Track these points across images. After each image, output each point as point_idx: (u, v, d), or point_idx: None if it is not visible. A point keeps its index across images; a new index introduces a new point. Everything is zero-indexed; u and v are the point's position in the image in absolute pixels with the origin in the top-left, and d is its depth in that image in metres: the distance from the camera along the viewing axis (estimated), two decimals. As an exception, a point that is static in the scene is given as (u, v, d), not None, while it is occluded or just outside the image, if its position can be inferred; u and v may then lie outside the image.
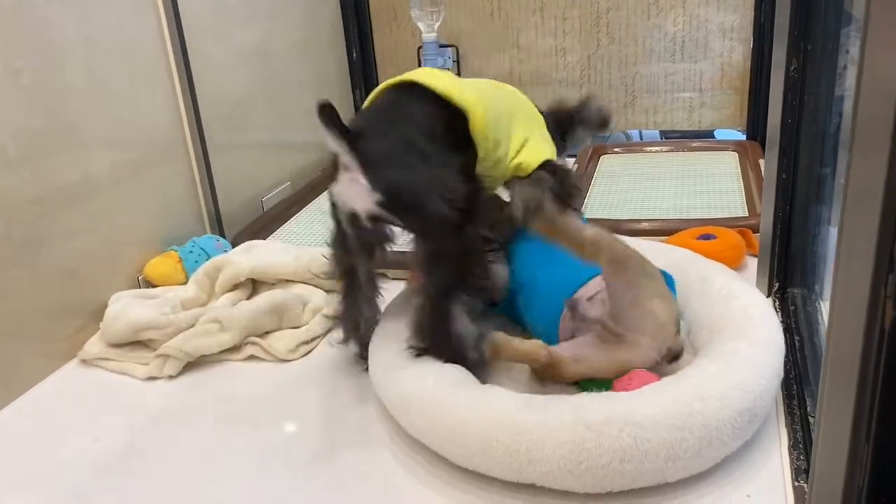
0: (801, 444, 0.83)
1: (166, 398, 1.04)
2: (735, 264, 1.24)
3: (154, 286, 1.29)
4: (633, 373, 0.88)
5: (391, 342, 0.94)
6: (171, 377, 1.07)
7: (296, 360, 1.10)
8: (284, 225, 1.55)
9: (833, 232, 1.09)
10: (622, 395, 0.80)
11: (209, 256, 1.32)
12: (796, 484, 0.77)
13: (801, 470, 0.79)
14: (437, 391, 0.83)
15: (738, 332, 0.89)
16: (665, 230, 1.34)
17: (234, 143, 1.56)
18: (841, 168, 1.02)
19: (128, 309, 1.13)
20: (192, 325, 1.12)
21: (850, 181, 0.42)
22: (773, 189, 1.09)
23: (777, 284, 1.15)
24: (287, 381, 1.05)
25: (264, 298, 1.15)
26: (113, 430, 0.97)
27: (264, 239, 1.47)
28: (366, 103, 0.97)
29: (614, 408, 0.77)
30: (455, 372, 0.86)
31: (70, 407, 1.04)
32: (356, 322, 1.02)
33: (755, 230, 1.32)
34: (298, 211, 1.62)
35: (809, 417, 0.85)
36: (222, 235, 1.46)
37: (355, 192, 0.85)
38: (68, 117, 1.15)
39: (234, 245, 1.40)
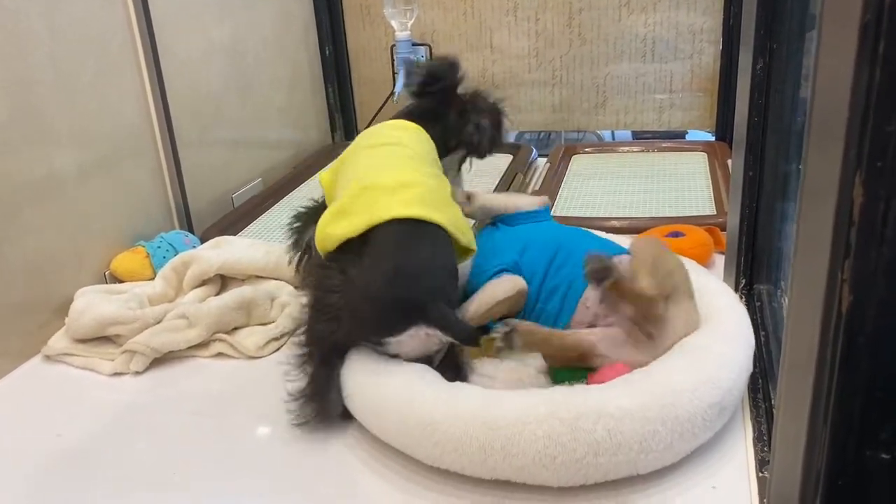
0: (766, 437, 0.84)
1: (132, 394, 1.02)
2: (703, 261, 1.26)
3: (121, 282, 1.27)
4: (607, 364, 0.89)
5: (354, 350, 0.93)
6: (137, 373, 1.06)
7: (264, 356, 1.09)
8: (255, 221, 1.54)
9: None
10: (595, 387, 0.81)
11: (177, 252, 1.30)
12: (760, 475, 0.78)
13: (765, 461, 0.80)
14: (407, 392, 0.82)
15: (709, 328, 0.90)
16: (635, 228, 1.36)
17: (204, 138, 1.55)
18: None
19: (94, 303, 1.11)
20: (160, 321, 1.11)
21: (806, 172, 0.43)
22: (740, 186, 1.11)
23: (744, 281, 1.16)
24: (255, 378, 1.04)
25: (232, 294, 1.14)
26: (77, 426, 0.95)
27: (234, 235, 1.46)
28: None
29: (588, 401, 0.77)
30: (424, 372, 0.85)
31: (33, 403, 1.02)
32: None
33: (723, 228, 1.34)
34: (269, 207, 1.61)
35: (774, 411, 0.86)
36: (191, 231, 1.45)
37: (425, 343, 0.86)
38: (33, 111, 1.13)
39: (203, 241, 1.39)
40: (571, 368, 0.92)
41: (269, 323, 1.15)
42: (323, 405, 0.87)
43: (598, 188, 1.59)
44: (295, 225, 1.09)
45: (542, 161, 1.83)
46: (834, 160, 0.41)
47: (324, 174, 1.04)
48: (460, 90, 1.07)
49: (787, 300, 0.45)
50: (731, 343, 0.87)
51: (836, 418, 0.43)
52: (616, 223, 1.38)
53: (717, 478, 0.79)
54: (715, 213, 1.40)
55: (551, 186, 1.60)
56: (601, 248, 0.97)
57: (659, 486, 0.78)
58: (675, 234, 1.28)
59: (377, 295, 0.82)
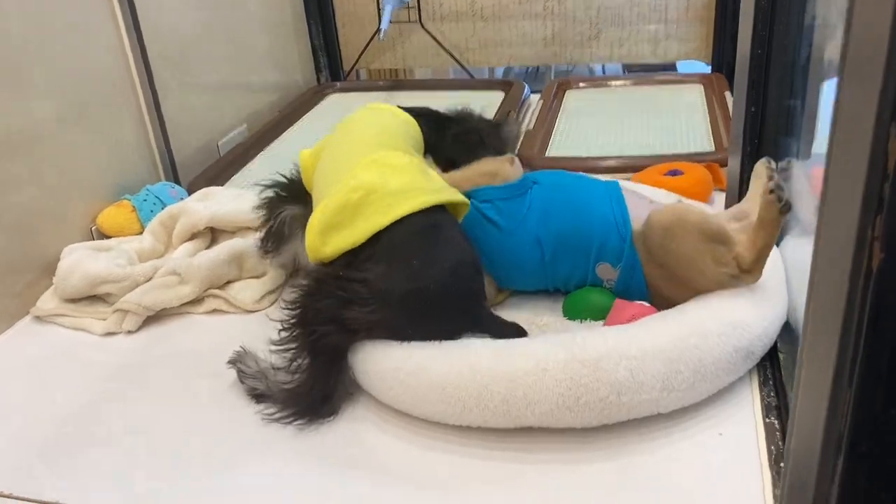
0: (771, 381, 0.83)
1: (126, 354, 1.00)
2: (703, 199, 1.23)
3: (108, 237, 1.24)
4: (627, 305, 0.87)
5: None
6: (130, 332, 1.04)
7: (262, 310, 1.07)
8: (242, 170, 1.49)
9: (803, 166, 1.08)
10: (613, 329, 0.80)
11: (164, 205, 1.27)
12: (767, 420, 0.78)
13: (772, 406, 0.79)
14: (417, 360, 0.80)
15: None
16: (632, 167, 1.33)
17: (185, 83, 1.49)
18: (811, 100, 1.01)
19: (82, 262, 1.08)
20: (151, 278, 1.08)
21: (838, 119, 0.40)
22: (741, 123, 1.08)
23: (745, 221, 1.14)
24: (253, 333, 1.01)
25: (223, 248, 1.11)
26: (72, 390, 0.94)
27: (221, 185, 1.42)
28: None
29: (608, 343, 0.77)
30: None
31: (25, 366, 1.00)
32: None
33: (722, 164, 1.31)
34: (256, 155, 1.56)
35: (779, 353, 0.85)
36: (177, 182, 1.41)
37: None
38: (5, 61, 1.08)
39: (190, 192, 1.35)
40: (589, 308, 0.92)
41: (263, 275, 1.12)
42: (325, 403, 0.83)
43: (593, 125, 1.55)
44: (265, 198, 1.04)
45: (535, 98, 1.78)
46: (869, 108, 0.38)
47: (304, 152, 1.00)
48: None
49: (811, 254, 0.42)
50: (767, 290, 0.85)
51: (862, 380, 0.42)
52: (613, 162, 1.35)
53: (724, 426, 0.79)
54: (713, 149, 1.37)
55: (545, 125, 1.55)
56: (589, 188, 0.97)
57: (660, 432, 0.78)
58: (674, 173, 1.26)
59: (441, 292, 0.80)
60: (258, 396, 0.86)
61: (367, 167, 0.86)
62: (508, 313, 0.96)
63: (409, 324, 0.81)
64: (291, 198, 0.99)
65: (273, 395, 0.85)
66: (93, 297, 1.09)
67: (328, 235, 0.83)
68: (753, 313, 0.82)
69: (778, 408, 0.79)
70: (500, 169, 0.97)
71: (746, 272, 0.83)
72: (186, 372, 0.96)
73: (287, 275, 1.10)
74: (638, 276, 0.90)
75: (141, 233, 1.24)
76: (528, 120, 1.61)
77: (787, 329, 0.87)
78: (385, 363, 0.81)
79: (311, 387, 0.82)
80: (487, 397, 0.76)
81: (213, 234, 1.23)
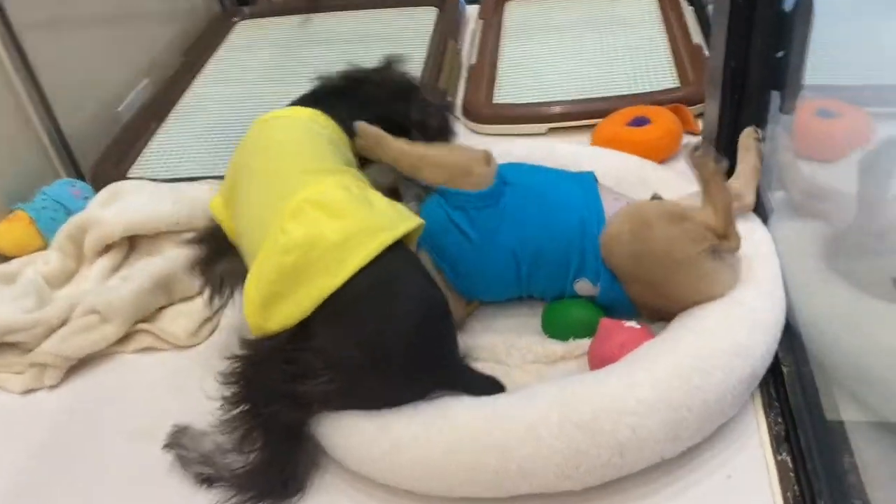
0: (777, 404, 0.77)
1: (52, 415, 0.88)
2: (673, 149, 1.13)
3: (7, 258, 1.07)
4: (620, 329, 0.79)
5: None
6: (52, 387, 0.91)
7: (199, 343, 0.94)
8: (151, 143, 1.30)
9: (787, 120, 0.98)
10: (608, 377, 0.71)
11: (68, 210, 1.10)
12: (778, 458, 0.72)
13: (781, 438, 0.74)
14: (394, 436, 0.71)
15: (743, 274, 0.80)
16: (588, 113, 1.20)
17: (62, 43, 1.26)
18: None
19: (-20, 309, 0.92)
20: (66, 320, 0.94)
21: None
22: (720, 79, 0.96)
23: (722, 180, 1.04)
24: (193, 373, 0.89)
25: (145, 273, 0.97)
26: (-3, 471, 0.82)
27: (130, 166, 1.24)
28: None
29: (603, 397, 0.69)
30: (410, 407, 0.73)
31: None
32: None
33: (689, 102, 1.20)
34: (164, 119, 1.36)
35: (782, 368, 0.79)
36: (77, 173, 1.22)
37: None
38: None
39: (94, 185, 1.18)
40: (572, 325, 0.84)
41: (196, 296, 0.98)
42: (289, 482, 0.73)
43: (541, 53, 1.40)
44: (199, 260, 0.88)
45: (472, 11, 1.60)
46: None
47: (215, 200, 0.85)
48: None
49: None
50: (765, 295, 0.78)
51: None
52: (569, 108, 1.22)
53: (731, 464, 0.73)
54: (677, 83, 1.24)
55: (489, 55, 1.39)
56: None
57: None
58: (640, 122, 1.14)
59: (406, 356, 0.70)
60: (207, 481, 0.75)
61: (296, 215, 0.71)
62: (482, 332, 0.87)
63: (371, 393, 0.72)
64: (222, 249, 0.85)
65: (225, 478, 0.74)
66: (1, 345, 0.94)
67: (269, 309, 0.70)
68: (753, 334, 0.74)
69: (788, 439, 0.73)
70: (475, 168, 0.84)
71: (723, 238, 0.77)
72: (122, 434, 0.85)
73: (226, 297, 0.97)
74: (618, 291, 0.81)
75: (44, 247, 1.08)
76: (471, 53, 1.43)
77: (787, 333, 0.80)
78: (354, 438, 0.72)
79: (270, 466, 0.73)
80: (478, 470, 0.68)
81: (130, 242, 1.07)
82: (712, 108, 0.99)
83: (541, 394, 0.71)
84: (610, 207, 0.83)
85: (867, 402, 0.73)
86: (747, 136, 0.92)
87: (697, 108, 1.19)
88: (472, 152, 0.87)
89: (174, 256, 1.00)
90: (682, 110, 1.17)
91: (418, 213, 0.85)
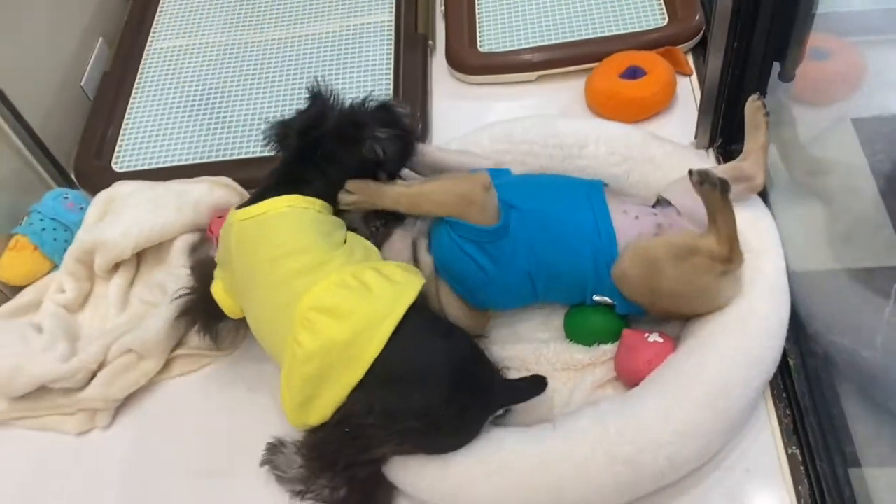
0: (785, 395, 0.85)
1: (114, 455, 0.93)
2: (669, 100, 1.13)
3: (19, 287, 1.07)
4: (644, 345, 0.85)
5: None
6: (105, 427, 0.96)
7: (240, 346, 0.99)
8: (126, 125, 1.24)
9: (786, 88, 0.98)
10: (643, 409, 0.78)
11: (66, 227, 1.08)
12: (789, 452, 0.81)
13: (791, 431, 0.83)
14: (455, 480, 0.78)
15: (749, 273, 0.84)
16: (576, 58, 1.18)
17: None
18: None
19: (22, 366, 0.93)
20: (103, 362, 0.96)
21: None
22: (726, 29, 0.92)
23: (720, 139, 1.06)
24: (247, 383, 0.96)
25: (167, 299, 0.98)
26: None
27: (112, 157, 1.19)
28: None
29: (642, 433, 0.76)
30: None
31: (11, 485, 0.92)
32: None
33: (679, 41, 1.18)
34: (132, 87, 1.29)
35: (789, 360, 0.86)
36: (56, 166, 1.17)
37: None
38: None
39: (80, 183, 1.16)
40: (594, 331, 0.89)
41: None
42: None
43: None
44: (200, 326, 0.93)
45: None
46: None
47: (217, 291, 0.87)
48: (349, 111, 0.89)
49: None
50: (774, 298, 0.84)
51: None
52: (557, 54, 1.19)
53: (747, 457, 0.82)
54: (666, 20, 1.20)
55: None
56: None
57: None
58: (633, 73, 1.12)
59: (453, 410, 0.76)
60: (300, 494, 0.83)
61: (304, 325, 0.76)
62: (509, 341, 0.92)
63: (437, 446, 0.79)
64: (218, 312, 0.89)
65: (318, 494, 0.81)
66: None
67: (307, 409, 0.77)
68: (767, 342, 0.81)
69: (796, 431, 0.82)
70: (475, 196, 0.85)
71: (728, 261, 0.81)
72: (190, 467, 0.91)
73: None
74: (635, 307, 0.86)
75: (52, 268, 1.07)
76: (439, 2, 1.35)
77: (792, 324, 0.86)
78: (422, 481, 0.80)
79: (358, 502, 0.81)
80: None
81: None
82: (714, 66, 0.98)
83: (585, 431, 0.77)
84: (620, 225, 0.85)
85: (871, 393, 0.82)
86: (755, 112, 0.91)
87: (687, 45, 1.18)
88: (469, 181, 0.86)
89: (182, 273, 1.01)
90: (673, 53, 1.15)
91: (427, 246, 0.88)
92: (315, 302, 0.76)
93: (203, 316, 0.91)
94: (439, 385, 0.76)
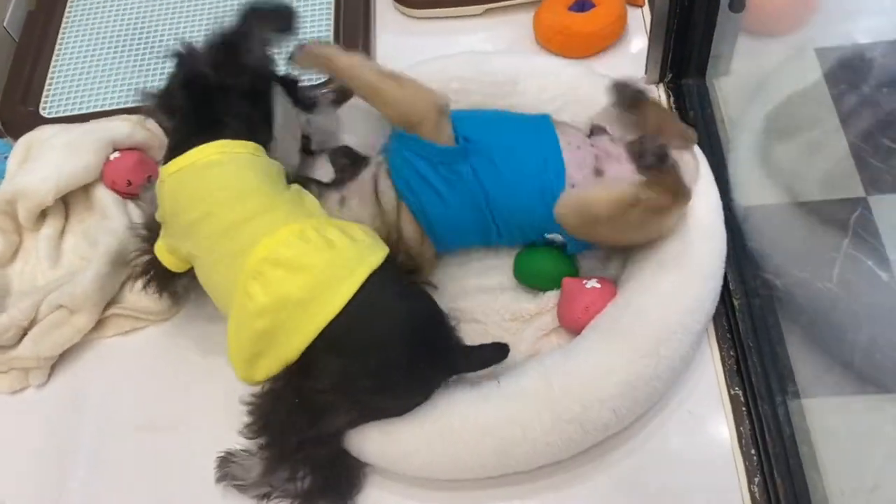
0: (729, 336, 0.84)
1: (48, 413, 0.90)
2: (620, 33, 1.08)
3: (-58, 241, 1.02)
4: (582, 291, 0.83)
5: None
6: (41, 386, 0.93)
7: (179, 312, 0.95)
8: (55, 63, 1.17)
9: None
10: (586, 363, 0.76)
11: (-14, 174, 1.03)
12: (732, 392, 0.81)
13: (734, 372, 0.82)
14: (404, 447, 0.77)
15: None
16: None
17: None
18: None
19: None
20: (34, 318, 0.92)
21: None
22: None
23: (671, 74, 1.02)
24: (182, 348, 0.93)
25: (98, 253, 0.94)
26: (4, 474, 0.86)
27: (40, 102, 1.13)
28: None
29: (585, 388, 0.75)
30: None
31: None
32: None
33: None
34: (61, 27, 1.21)
35: (734, 300, 0.85)
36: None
37: None
38: None
39: (7, 130, 1.10)
40: (541, 275, 0.88)
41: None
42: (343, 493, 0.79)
43: None
44: (154, 285, 0.88)
45: None
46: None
47: (160, 250, 0.83)
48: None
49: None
50: (709, 235, 0.82)
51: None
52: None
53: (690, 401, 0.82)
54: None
55: None
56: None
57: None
58: (582, 6, 1.07)
59: (411, 372, 0.74)
60: (266, 496, 0.79)
61: (256, 277, 0.71)
62: (458, 294, 0.90)
63: (384, 407, 0.77)
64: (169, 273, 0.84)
65: (291, 494, 0.78)
66: (-29, 345, 0.94)
67: (253, 365, 0.74)
68: (705, 285, 0.80)
69: (739, 371, 0.82)
70: (430, 117, 0.81)
71: (671, 207, 0.79)
72: (133, 422, 0.89)
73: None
74: (584, 244, 0.84)
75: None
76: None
77: (734, 262, 0.85)
78: (370, 445, 0.79)
79: (324, 488, 0.78)
80: (479, 471, 0.77)
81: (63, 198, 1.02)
82: None
83: (529, 393, 0.76)
84: (570, 157, 0.82)
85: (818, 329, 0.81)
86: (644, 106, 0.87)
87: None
88: (426, 100, 0.82)
89: (112, 225, 0.97)
90: (624, -18, 1.10)
91: (385, 160, 0.85)
92: (269, 252, 0.72)
93: (158, 276, 0.86)
94: (396, 350, 0.73)
